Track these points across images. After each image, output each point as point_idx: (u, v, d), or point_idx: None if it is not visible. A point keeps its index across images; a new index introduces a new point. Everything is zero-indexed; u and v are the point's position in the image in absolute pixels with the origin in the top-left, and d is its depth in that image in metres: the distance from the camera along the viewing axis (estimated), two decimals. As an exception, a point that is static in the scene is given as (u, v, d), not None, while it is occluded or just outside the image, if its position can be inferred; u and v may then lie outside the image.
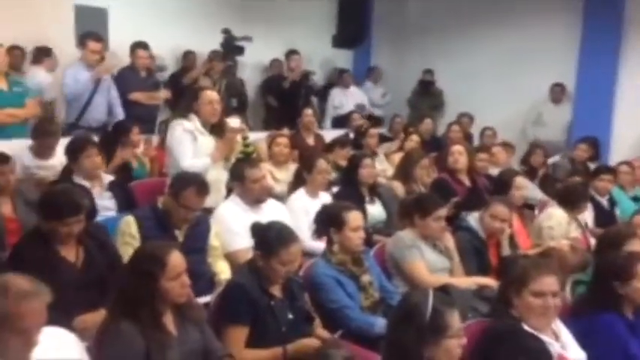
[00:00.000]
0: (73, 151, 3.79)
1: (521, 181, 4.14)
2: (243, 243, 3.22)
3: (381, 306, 2.95)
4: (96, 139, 4.21)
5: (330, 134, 6.34)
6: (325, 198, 4.08)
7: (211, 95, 3.85)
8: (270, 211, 3.55)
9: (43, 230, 2.64)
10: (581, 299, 2.90)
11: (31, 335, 1.67)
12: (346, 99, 7.95)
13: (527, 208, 4.56)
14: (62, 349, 1.89)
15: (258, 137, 5.56)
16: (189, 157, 3.70)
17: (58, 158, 4.19)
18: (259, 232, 2.62)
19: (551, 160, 6.35)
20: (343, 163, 5.33)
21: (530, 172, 5.62)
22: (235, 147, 3.95)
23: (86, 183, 3.67)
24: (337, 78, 8.23)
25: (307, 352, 2.43)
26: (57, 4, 5.95)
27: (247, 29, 5.68)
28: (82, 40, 5.17)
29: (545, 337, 2.31)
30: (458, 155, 4.66)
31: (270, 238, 2.53)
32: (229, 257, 3.34)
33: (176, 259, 2.14)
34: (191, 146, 3.73)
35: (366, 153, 4.77)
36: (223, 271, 3.22)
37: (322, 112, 7.96)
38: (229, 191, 3.83)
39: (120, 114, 5.31)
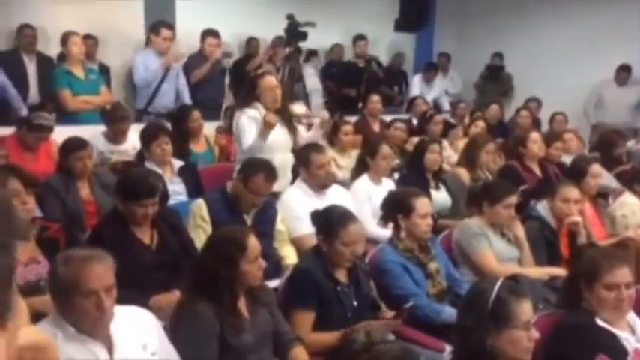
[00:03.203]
0: (145, 139, 3.93)
1: (597, 169, 3.96)
2: (308, 228, 3.22)
3: (448, 294, 2.93)
4: (168, 125, 4.33)
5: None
6: (388, 184, 4.06)
7: (271, 81, 3.87)
8: (335, 197, 3.56)
9: (120, 213, 2.76)
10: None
11: (100, 298, 1.75)
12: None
13: (601, 198, 4.38)
14: (142, 327, 1.96)
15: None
16: (250, 139, 3.72)
17: (131, 143, 4.34)
18: (319, 217, 2.67)
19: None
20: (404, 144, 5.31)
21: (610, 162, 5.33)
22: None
23: (157, 168, 3.79)
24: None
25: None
26: (127, -7, 6.13)
27: (309, 14, 5.67)
28: (155, 27, 5.30)
29: (620, 332, 2.21)
30: (533, 144, 4.52)
31: (330, 221, 2.58)
32: (295, 242, 3.39)
33: (254, 242, 2.21)
34: (254, 130, 3.76)
35: (434, 139, 4.70)
36: (289, 256, 3.28)
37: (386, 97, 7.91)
38: (295, 175, 3.86)
39: (187, 100, 5.44)
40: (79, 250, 1.88)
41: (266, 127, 3.66)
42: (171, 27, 5.29)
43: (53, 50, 5.43)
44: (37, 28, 5.42)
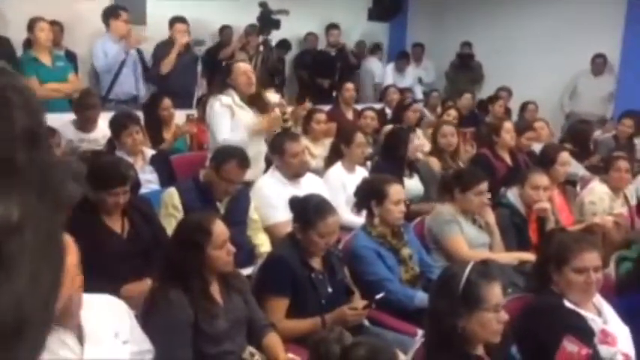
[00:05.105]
0: (115, 129, 3.85)
1: (566, 156, 4.05)
2: (282, 216, 3.25)
3: (420, 280, 2.96)
4: (139, 114, 4.27)
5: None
6: (362, 172, 4.08)
7: (244, 66, 3.87)
8: (309, 185, 3.56)
9: (90, 201, 2.72)
10: (627, 277, 2.85)
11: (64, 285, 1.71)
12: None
13: (569, 185, 4.48)
14: (113, 315, 1.94)
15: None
16: (225, 132, 3.72)
17: (101, 131, 4.26)
18: (297, 205, 2.66)
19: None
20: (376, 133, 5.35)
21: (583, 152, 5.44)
22: (277, 123, 3.94)
23: (129, 158, 3.73)
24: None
25: (345, 321, 2.46)
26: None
27: (283, 2, 5.63)
28: (114, 11, 5.23)
29: (588, 313, 2.27)
30: (506, 133, 4.57)
31: (308, 211, 2.57)
32: (269, 230, 3.38)
33: (220, 228, 2.20)
34: (229, 121, 3.75)
35: (409, 127, 4.74)
36: (263, 244, 3.27)
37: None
38: (268, 164, 3.85)
39: (142, 90, 5.42)
40: None
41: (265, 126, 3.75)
42: (126, 9, 5.28)
43: (14, 35, 5.26)
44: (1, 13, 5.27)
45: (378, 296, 2.53)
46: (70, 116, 4.36)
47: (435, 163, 4.52)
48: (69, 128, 4.25)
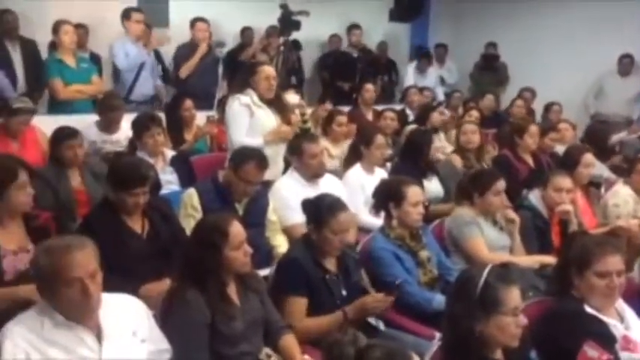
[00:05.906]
0: (137, 130, 3.92)
1: (589, 158, 3.98)
2: (301, 217, 3.20)
3: (439, 282, 2.93)
4: (162, 115, 4.34)
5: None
6: (381, 174, 4.06)
7: (268, 71, 3.87)
8: (327, 186, 3.55)
9: (111, 201, 2.75)
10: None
11: (84, 284, 1.74)
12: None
13: (593, 187, 4.40)
14: (132, 314, 1.96)
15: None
16: (242, 135, 3.74)
17: (124, 133, 4.32)
18: (309, 205, 2.66)
19: (617, 137, 6.07)
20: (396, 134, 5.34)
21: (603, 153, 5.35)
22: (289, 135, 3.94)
23: (149, 158, 3.77)
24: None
25: (366, 310, 2.47)
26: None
27: (303, 3, 5.64)
28: (126, 13, 5.34)
29: (609, 319, 2.22)
30: (529, 137, 4.49)
31: (319, 210, 2.57)
32: (287, 231, 3.39)
33: (237, 229, 2.20)
34: (246, 122, 3.76)
35: (434, 130, 4.72)
36: (281, 245, 3.28)
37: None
38: (287, 164, 3.86)
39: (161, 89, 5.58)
40: (59, 240, 1.87)
41: (278, 136, 3.78)
42: (140, 10, 5.43)
43: (40, 38, 5.36)
44: (26, 16, 5.36)
45: (398, 281, 2.52)
46: (94, 117, 4.43)
47: (457, 161, 4.48)
48: (92, 129, 4.32)
